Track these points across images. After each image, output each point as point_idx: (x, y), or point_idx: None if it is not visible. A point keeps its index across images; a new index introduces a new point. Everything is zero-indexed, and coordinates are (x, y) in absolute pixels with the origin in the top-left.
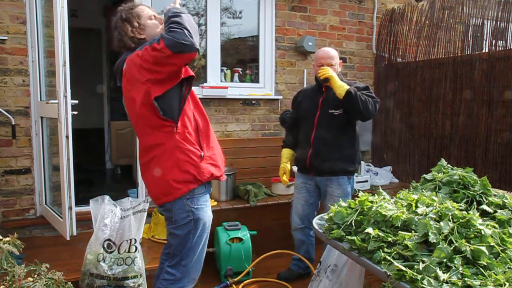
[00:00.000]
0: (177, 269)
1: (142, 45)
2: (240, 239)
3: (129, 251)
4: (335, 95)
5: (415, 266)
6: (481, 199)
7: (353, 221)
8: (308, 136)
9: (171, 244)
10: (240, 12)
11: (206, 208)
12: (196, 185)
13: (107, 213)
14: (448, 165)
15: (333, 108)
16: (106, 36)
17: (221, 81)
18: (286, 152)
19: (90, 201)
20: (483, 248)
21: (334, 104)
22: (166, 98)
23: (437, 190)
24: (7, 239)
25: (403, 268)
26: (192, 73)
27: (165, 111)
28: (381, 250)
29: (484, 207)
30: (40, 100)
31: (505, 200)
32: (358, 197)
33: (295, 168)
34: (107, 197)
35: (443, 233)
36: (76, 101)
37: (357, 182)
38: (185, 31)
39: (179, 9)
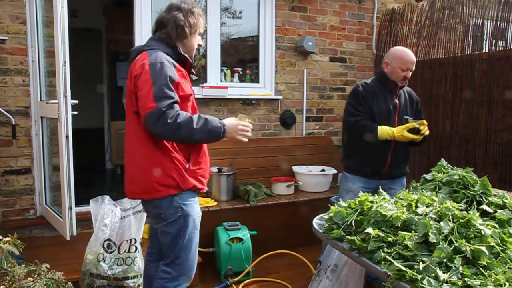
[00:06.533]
0: (172, 268)
1: (166, 50)
2: (240, 239)
3: (129, 251)
4: (406, 102)
5: (415, 266)
6: (481, 199)
7: (353, 221)
8: (384, 150)
9: (162, 242)
10: (240, 12)
11: (194, 205)
12: (176, 192)
13: (107, 213)
14: (448, 165)
15: (407, 115)
16: (106, 36)
17: (221, 81)
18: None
19: (90, 201)
20: (483, 248)
21: (406, 112)
22: None
23: (437, 190)
24: (7, 239)
25: (403, 268)
26: (189, 91)
27: None
28: (381, 250)
29: (484, 207)
30: (40, 100)
31: (505, 200)
32: (359, 197)
33: (300, 169)
34: (107, 197)
35: (443, 233)
36: (76, 101)
37: None
38: (173, 136)
39: (216, 129)
